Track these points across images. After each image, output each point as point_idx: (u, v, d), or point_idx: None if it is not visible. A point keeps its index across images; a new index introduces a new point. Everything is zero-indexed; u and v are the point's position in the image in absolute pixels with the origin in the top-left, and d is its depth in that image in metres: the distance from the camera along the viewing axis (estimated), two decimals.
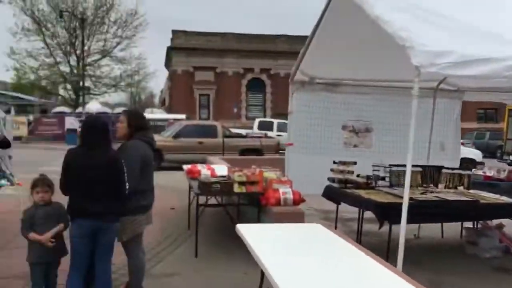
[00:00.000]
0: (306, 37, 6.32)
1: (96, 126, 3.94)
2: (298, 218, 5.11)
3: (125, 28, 40.43)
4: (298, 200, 5.47)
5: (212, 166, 7.66)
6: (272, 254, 2.99)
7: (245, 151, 16.24)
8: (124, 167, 3.90)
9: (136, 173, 4.09)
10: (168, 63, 43.04)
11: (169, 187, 10.34)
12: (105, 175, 3.78)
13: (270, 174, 5.86)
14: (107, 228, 3.84)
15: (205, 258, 5.75)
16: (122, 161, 3.92)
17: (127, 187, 3.92)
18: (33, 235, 3.79)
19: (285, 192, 5.39)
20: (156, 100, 51.09)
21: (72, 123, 31.78)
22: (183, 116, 26.61)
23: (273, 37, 39.07)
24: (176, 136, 16.18)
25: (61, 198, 3.98)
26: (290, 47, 37.40)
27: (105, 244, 3.88)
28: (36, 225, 3.83)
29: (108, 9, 39.32)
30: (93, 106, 40.71)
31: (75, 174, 3.78)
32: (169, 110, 38.08)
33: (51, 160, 17.88)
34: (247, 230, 3.54)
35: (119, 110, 39.05)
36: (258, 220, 5.71)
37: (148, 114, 24.79)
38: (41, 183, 3.92)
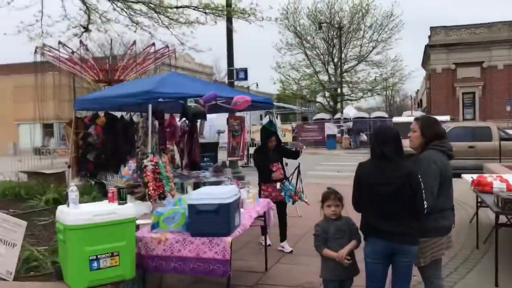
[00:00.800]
0: None
1: (387, 137, 3.55)
2: None
3: (381, 31, 40.08)
4: None
5: (505, 176, 6.49)
6: None
7: None
8: (421, 182, 3.41)
9: (434, 189, 3.56)
10: (425, 62, 40.91)
11: None
12: (399, 191, 3.37)
13: None
14: (403, 251, 3.42)
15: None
16: (419, 175, 3.44)
17: (425, 205, 3.42)
18: (327, 252, 3.64)
19: None
20: (411, 102, 49.20)
21: (331, 128, 33.19)
22: (447, 117, 24.60)
23: None
24: None
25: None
26: None
27: (402, 268, 3.47)
28: (329, 240, 3.68)
29: (364, 14, 39.69)
30: (350, 111, 41.70)
31: (366, 190, 3.49)
32: (428, 112, 35.99)
33: (314, 165, 18.84)
34: None
35: (376, 114, 38.95)
36: None
37: (408, 117, 23.78)
38: (333, 196, 3.75)
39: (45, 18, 10.08)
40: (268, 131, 6.84)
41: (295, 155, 6.69)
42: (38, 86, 14.61)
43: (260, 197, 6.05)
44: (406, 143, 3.75)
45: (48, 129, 38.06)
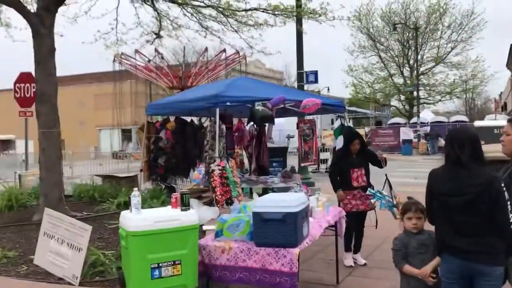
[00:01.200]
0: None
1: (464, 140, 3.08)
2: None
3: (460, 31, 37.97)
4: None
5: None
6: None
7: None
8: (504, 192, 2.91)
9: None
10: (510, 63, 38.14)
11: None
12: (474, 202, 2.90)
13: None
14: (483, 272, 2.93)
15: None
16: (502, 184, 2.94)
17: (510, 219, 2.92)
18: (408, 268, 3.24)
19: None
20: (494, 105, 45.78)
21: (406, 133, 31.78)
22: None
23: None
24: None
25: None
26: None
27: None
28: (409, 255, 3.28)
29: (442, 14, 37.79)
30: (427, 115, 39.78)
31: (438, 200, 3.07)
32: None
33: (389, 171, 17.95)
34: None
35: (455, 118, 36.85)
36: None
37: (492, 121, 22.19)
38: (414, 208, 3.35)
39: (120, 26, 10.41)
40: (352, 133, 6.33)
41: (380, 164, 6.11)
42: (117, 93, 15.25)
43: (339, 205, 5.67)
44: (497, 148, 3.27)
45: (126, 134, 39.90)
